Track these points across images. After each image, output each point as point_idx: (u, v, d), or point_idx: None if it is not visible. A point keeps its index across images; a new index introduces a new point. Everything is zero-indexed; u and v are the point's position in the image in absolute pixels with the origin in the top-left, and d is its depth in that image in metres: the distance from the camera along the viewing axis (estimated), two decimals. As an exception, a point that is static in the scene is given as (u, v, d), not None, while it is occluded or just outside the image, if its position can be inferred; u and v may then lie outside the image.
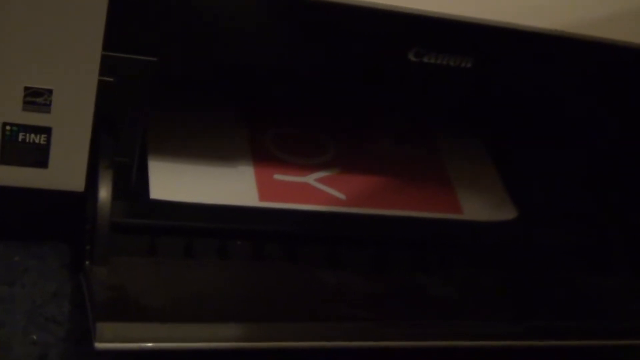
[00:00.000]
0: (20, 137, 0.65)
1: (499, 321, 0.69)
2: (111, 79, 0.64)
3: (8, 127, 0.64)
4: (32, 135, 0.65)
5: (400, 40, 0.68)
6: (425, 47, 0.69)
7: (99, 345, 0.57)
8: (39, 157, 0.66)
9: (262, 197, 0.76)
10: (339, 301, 0.68)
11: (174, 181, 0.74)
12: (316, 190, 0.79)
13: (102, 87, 0.64)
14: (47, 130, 0.65)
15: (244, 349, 0.61)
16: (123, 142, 0.68)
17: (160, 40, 0.65)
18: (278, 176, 0.79)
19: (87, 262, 0.65)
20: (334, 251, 0.74)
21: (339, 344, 0.63)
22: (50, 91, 0.63)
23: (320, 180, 0.80)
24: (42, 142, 0.65)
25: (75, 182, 0.67)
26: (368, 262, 0.74)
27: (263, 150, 0.81)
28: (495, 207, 0.83)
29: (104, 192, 0.66)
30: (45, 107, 0.64)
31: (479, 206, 0.83)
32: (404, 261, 0.75)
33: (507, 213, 0.83)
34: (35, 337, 0.65)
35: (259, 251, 0.72)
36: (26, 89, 0.63)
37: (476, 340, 0.66)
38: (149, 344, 0.58)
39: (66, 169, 0.67)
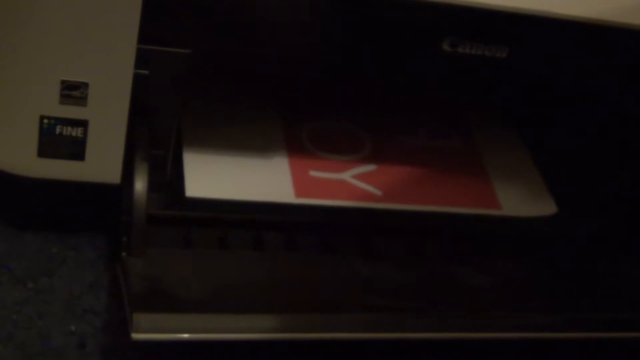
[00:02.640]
0: (57, 130, 0.66)
1: (536, 313, 0.68)
2: (146, 72, 0.65)
3: (45, 121, 0.65)
4: (69, 128, 0.66)
5: (434, 31, 0.68)
6: (460, 37, 0.68)
7: (135, 335, 0.57)
8: (75, 150, 0.67)
9: (298, 193, 0.76)
10: (372, 292, 0.68)
11: (209, 178, 0.74)
12: (353, 187, 0.78)
13: (137, 80, 0.65)
14: (83, 123, 0.66)
15: (279, 340, 0.61)
16: (158, 134, 0.69)
17: (194, 33, 0.65)
18: (314, 172, 0.78)
19: (123, 254, 0.65)
20: (368, 243, 0.74)
21: (373, 335, 0.63)
22: (86, 84, 0.64)
23: (356, 176, 0.79)
24: (78, 135, 0.66)
25: (112, 174, 0.68)
26: (402, 255, 0.74)
27: (299, 146, 0.80)
28: (534, 202, 0.82)
29: (140, 184, 0.66)
30: (82, 101, 0.65)
31: (518, 201, 0.81)
32: (439, 255, 0.75)
33: (546, 208, 0.82)
34: (73, 328, 0.66)
35: (293, 243, 0.72)
36: (63, 82, 0.64)
37: (512, 332, 0.65)
38: (185, 335, 0.58)
39: (102, 162, 0.68)
